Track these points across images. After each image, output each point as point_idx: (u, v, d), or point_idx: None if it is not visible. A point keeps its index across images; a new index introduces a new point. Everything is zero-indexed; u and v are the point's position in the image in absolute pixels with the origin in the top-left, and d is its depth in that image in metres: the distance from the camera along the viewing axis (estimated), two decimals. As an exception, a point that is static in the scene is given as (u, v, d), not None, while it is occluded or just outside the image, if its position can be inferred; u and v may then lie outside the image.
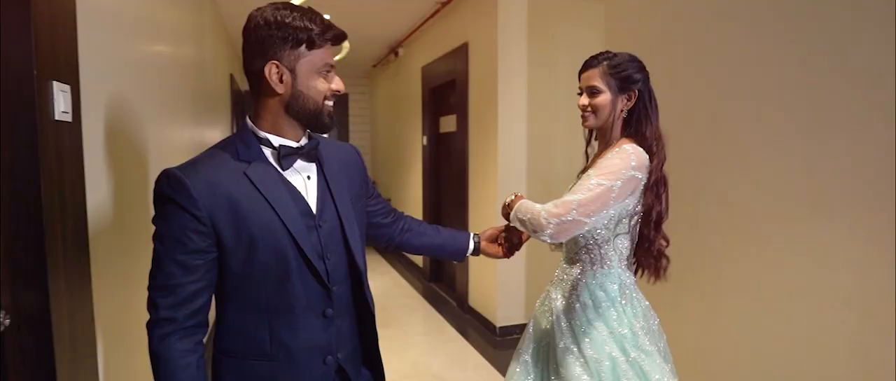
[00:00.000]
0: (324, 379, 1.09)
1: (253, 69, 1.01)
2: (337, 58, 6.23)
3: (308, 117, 1.04)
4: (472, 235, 1.47)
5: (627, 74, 1.30)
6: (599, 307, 1.30)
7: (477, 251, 1.47)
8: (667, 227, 1.34)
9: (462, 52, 3.88)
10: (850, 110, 1.36)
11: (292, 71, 1.01)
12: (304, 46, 1.00)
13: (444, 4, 4.12)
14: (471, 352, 3.28)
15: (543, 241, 1.26)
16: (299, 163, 1.07)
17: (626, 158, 1.24)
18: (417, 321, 3.89)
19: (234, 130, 1.15)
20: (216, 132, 4.03)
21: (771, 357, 1.59)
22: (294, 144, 1.06)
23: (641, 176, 1.26)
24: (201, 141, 3.12)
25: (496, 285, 3.50)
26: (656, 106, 1.33)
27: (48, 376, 1.01)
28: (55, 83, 1.05)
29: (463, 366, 3.08)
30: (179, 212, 0.94)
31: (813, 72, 1.44)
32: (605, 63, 1.31)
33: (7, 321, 0.95)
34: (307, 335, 1.06)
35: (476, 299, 3.88)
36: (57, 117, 1.05)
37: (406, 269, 5.60)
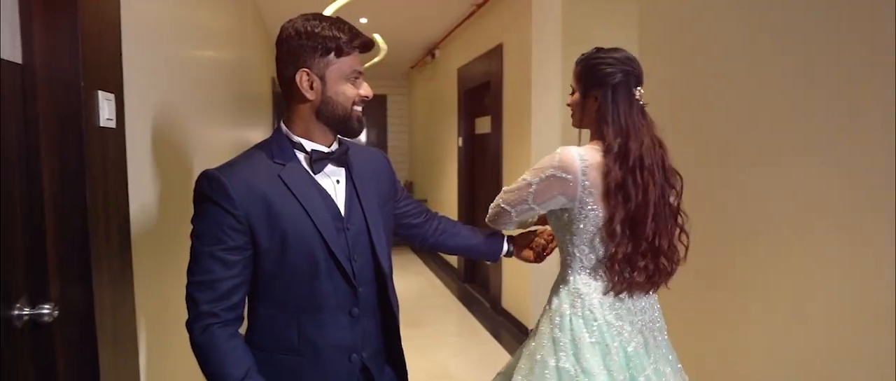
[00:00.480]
0: (349, 376, 1.13)
1: (285, 77, 1.07)
2: (375, 60, 6.36)
3: (337, 122, 1.09)
4: (506, 237, 1.48)
5: (591, 73, 1.28)
6: (549, 313, 1.30)
7: (510, 253, 1.49)
8: (699, 231, 1.32)
9: (497, 53, 3.88)
10: (890, 112, 1.29)
11: (322, 78, 1.06)
12: (332, 54, 1.05)
13: (479, 6, 4.12)
14: (502, 354, 3.27)
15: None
16: (330, 167, 1.11)
17: (551, 158, 1.25)
18: (450, 322, 3.92)
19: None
20: (258, 133, 4.18)
21: (811, 373, 1.52)
22: (325, 149, 1.11)
23: (570, 177, 1.21)
24: (243, 142, 3.24)
25: (528, 287, 3.48)
26: (624, 107, 1.24)
27: (92, 364, 1.08)
28: (101, 92, 1.12)
29: (493, 368, 3.07)
30: (218, 210, 1.00)
31: (854, 72, 1.38)
32: (577, 62, 1.32)
33: (56, 313, 1.03)
34: (334, 333, 1.09)
35: (509, 300, 3.87)
36: (102, 124, 1.12)
37: (441, 269, 5.63)
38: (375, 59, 6.64)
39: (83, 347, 1.07)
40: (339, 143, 1.15)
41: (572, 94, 1.34)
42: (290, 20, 1.08)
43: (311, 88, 1.06)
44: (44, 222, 1.03)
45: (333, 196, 1.11)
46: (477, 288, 4.75)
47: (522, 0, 3.43)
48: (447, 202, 5.64)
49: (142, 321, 1.36)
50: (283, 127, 1.11)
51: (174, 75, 1.80)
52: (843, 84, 1.42)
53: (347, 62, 1.07)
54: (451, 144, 5.38)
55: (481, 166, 4.65)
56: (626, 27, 3.19)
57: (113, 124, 1.18)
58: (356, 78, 1.09)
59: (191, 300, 1.02)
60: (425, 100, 6.76)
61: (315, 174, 1.09)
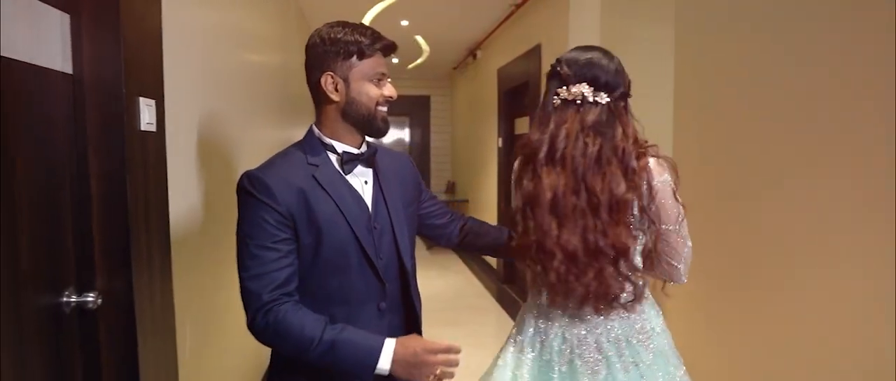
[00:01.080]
0: None
1: (312, 81, 1.13)
2: (417, 62, 6.44)
3: (362, 122, 1.13)
4: None
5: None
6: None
7: None
8: (728, 234, 1.28)
9: (535, 53, 3.86)
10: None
11: (345, 80, 1.11)
12: (354, 57, 1.10)
13: (518, 6, 4.11)
14: (536, 356, 3.26)
15: None
16: (359, 168, 1.16)
17: None
18: (488, 322, 3.92)
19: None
20: (302, 133, 4.33)
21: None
22: (355, 151, 1.16)
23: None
24: (287, 142, 3.35)
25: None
26: (543, 103, 1.21)
27: (131, 349, 1.17)
28: (141, 99, 1.21)
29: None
30: (263, 206, 1.04)
31: (884, 76, 1.30)
32: None
33: (99, 301, 1.12)
34: (363, 326, 1.12)
35: (545, 302, 3.84)
36: (142, 128, 1.22)
37: (480, 270, 5.64)
38: (418, 61, 6.73)
39: (124, 333, 1.17)
40: (368, 145, 1.19)
41: None
42: (317, 29, 1.13)
43: (336, 89, 1.11)
44: (91, 218, 1.13)
45: (362, 196, 1.16)
46: (515, 289, 4.73)
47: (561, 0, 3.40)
48: (487, 203, 5.64)
49: (184, 312, 1.46)
50: (315, 129, 1.16)
51: (216, 80, 1.91)
52: (876, 86, 1.34)
53: (369, 64, 1.11)
54: (491, 145, 5.39)
55: (520, 167, 4.62)
56: (664, 22, 3.11)
57: (153, 128, 1.27)
58: (379, 79, 1.13)
59: (249, 295, 1.03)
60: (467, 100, 6.79)
61: (346, 175, 1.14)
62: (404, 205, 1.23)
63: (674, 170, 1.16)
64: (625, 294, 1.15)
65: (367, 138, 1.19)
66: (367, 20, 4.65)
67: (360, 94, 1.11)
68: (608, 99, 1.17)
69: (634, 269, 1.15)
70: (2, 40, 0.91)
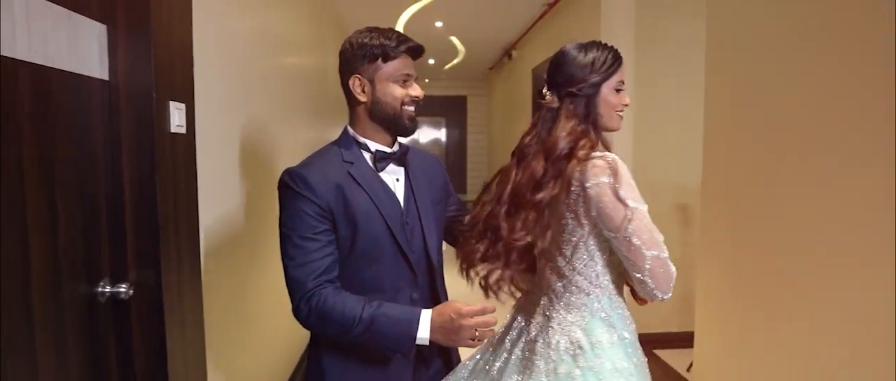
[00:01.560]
0: (400, 363, 1.20)
1: (344, 83, 1.21)
2: (453, 62, 6.46)
3: (388, 121, 1.19)
4: None
5: None
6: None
7: None
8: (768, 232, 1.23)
9: (568, 52, 3.82)
10: None
11: (371, 81, 1.18)
12: (379, 60, 1.17)
13: (551, 6, 4.08)
14: (565, 358, 3.23)
15: None
16: (391, 166, 1.23)
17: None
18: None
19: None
20: (338, 133, 4.43)
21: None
22: (388, 150, 1.23)
23: None
24: (324, 141, 3.46)
25: (595, 293, 3.40)
26: None
27: (160, 338, 1.25)
28: (172, 103, 1.29)
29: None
30: (304, 200, 1.11)
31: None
32: None
33: (131, 292, 1.20)
34: None
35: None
36: (172, 130, 1.29)
37: (514, 270, 5.63)
38: (454, 62, 6.77)
39: (153, 323, 1.24)
40: (400, 145, 1.26)
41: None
42: (349, 35, 1.21)
43: (363, 91, 1.18)
44: (124, 213, 1.21)
45: (394, 192, 1.22)
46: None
47: (593, -2, 3.35)
48: (521, 203, 5.62)
49: (214, 304, 1.54)
50: (350, 129, 1.24)
51: (249, 83, 1.99)
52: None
53: (394, 66, 1.17)
54: (525, 145, 5.36)
55: (553, 167, 4.58)
56: (700, 19, 3.03)
57: (183, 130, 1.35)
58: (404, 80, 1.19)
59: (294, 282, 1.10)
60: (503, 100, 6.78)
61: (378, 172, 1.20)
62: (433, 203, 1.28)
63: (613, 172, 1.05)
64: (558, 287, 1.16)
65: (399, 139, 1.25)
66: (401, 21, 4.72)
67: (385, 94, 1.18)
68: (557, 98, 1.15)
69: (554, 268, 1.17)
70: (45, 51, 0.99)
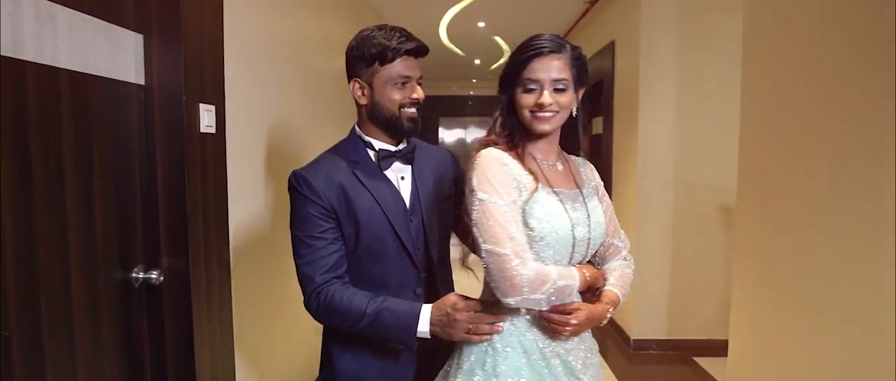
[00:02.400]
0: (408, 351, 1.22)
1: (348, 84, 1.23)
2: (499, 62, 6.44)
3: (386, 124, 1.20)
4: None
5: (586, 66, 1.07)
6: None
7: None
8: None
9: (609, 50, 3.74)
10: None
11: (370, 85, 1.18)
12: (377, 63, 1.16)
13: (592, 3, 4.01)
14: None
15: None
16: (397, 164, 1.23)
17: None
18: (552, 324, 3.87)
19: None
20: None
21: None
22: (392, 148, 1.23)
23: None
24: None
25: (632, 294, 3.32)
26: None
27: (188, 322, 1.35)
28: (202, 105, 1.39)
29: (588, 374, 3.01)
30: (308, 201, 1.14)
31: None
32: (566, 49, 1.04)
33: (161, 278, 1.31)
34: None
35: (615, 308, 3.72)
36: (202, 131, 1.40)
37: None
38: (500, 62, 6.76)
39: (182, 307, 1.35)
40: (408, 142, 1.26)
41: (560, 91, 1.04)
42: (354, 36, 1.20)
43: (363, 94, 1.19)
44: (157, 206, 1.33)
45: (399, 190, 1.23)
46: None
47: (634, -6, 3.28)
48: (564, 204, 5.54)
49: (243, 294, 1.64)
50: (356, 128, 1.26)
51: (283, 85, 2.10)
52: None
53: (393, 69, 1.16)
54: (568, 145, 5.28)
55: (597, 170, 4.48)
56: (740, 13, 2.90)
57: (213, 130, 1.45)
58: (404, 83, 1.18)
59: (305, 279, 1.14)
60: (548, 100, 6.69)
61: (383, 170, 1.22)
62: (438, 200, 1.27)
63: (477, 164, 1.03)
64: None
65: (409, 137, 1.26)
66: (444, 22, 4.77)
67: (382, 97, 1.18)
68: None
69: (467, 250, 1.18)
70: (85, 60, 1.11)
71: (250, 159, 1.79)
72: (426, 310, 1.09)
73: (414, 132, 1.23)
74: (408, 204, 1.22)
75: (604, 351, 3.34)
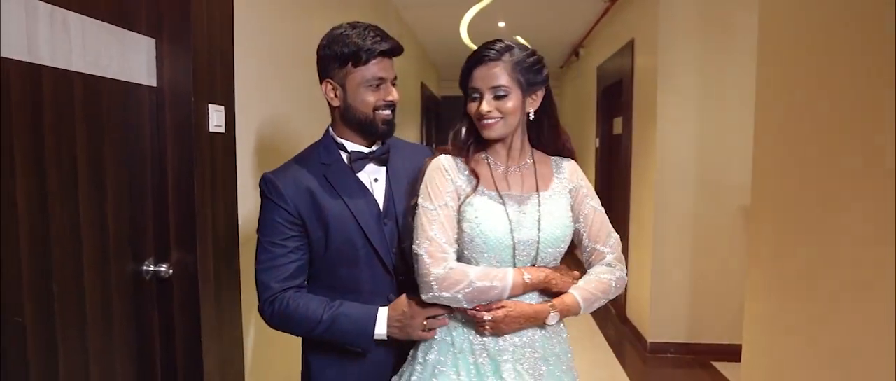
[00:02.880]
0: (383, 353, 1.21)
1: (320, 85, 1.20)
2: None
3: (360, 126, 1.18)
4: None
5: (535, 69, 1.09)
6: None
7: None
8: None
9: (628, 49, 3.70)
10: None
11: (343, 86, 1.15)
12: (350, 64, 1.13)
13: (613, 1, 3.97)
14: (612, 363, 3.15)
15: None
16: (370, 166, 1.21)
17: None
18: (568, 324, 3.85)
19: (425, 134, 1.36)
20: (408, 135, 4.58)
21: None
22: (365, 150, 1.21)
23: None
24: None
25: (649, 297, 3.28)
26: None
27: (195, 314, 1.41)
28: (211, 105, 1.45)
29: (598, 375, 2.99)
30: (274, 206, 1.14)
31: None
32: (507, 56, 1.07)
33: (170, 271, 1.38)
34: None
35: (632, 309, 3.68)
36: (211, 130, 1.45)
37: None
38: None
39: (191, 300, 1.41)
40: (382, 143, 1.23)
41: (501, 98, 1.07)
42: (326, 34, 1.17)
43: (335, 95, 1.16)
44: (168, 201, 1.39)
45: (373, 193, 1.21)
46: (614, 304, 4.57)
47: (654, -9, 3.23)
48: (586, 204, 5.48)
49: (251, 295, 1.70)
50: (330, 130, 1.24)
51: (294, 88, 2.15)
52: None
53: (367, 70, 1.13)
54: (590, 145, 5.24)
55: (616, 171, 4.44)
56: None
57: (222, 130, 1.51)
58: (378, 85, 1.15)
59: (260, 285, 1.14)
60: (573, 99, 6.65)
61: (356, 172, 1.20)
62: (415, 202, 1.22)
63: (424, 176, 1.12)
64: None
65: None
66: (464, 23, 4.79)
67: (356, 100, 1.15)
68: None
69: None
70: (97, 63, 1.17)
71: (261, 158, 1.84)
72: (383, 312, 1.11)
73: (389, 134, 1.21)
74: (381, 207, 1.19)
75: (620, 354, 3.31)
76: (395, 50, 1.17)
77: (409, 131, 4.92)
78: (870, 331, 1.43)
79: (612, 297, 1.12)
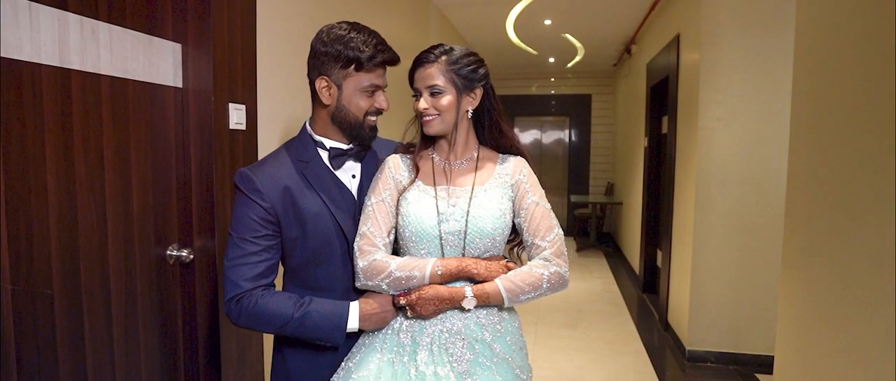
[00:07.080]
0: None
1: (310, 79, 1.18)
2: (574, 60, 6.33)
3: (349, 128, 1.18)
4: None
5: (470, 69, 1.14)
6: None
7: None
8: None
9: (674, 45, 3.57)
10: None
11: (339, 87, 1.15)
12: (352, 67, 1.13)
13: (659, -3, 3.84)
14: (646, 370, 3.05)
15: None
16: (349, 163, 1.21)
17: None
18: (607, 329, 3.77)
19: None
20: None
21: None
22: (344, 147, 1.20)
23: None
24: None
25: (688, 304, 3.15)
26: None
27: (215, 293, 1.53)
28: (231, 104, 1.57)
29: (630, 379, 2.91)
30: (249, 202, 1.11)
31: None
32: (443, 58, 1.13)
33: (191, 256, 1.50)
34: None
35: (673, 316, 3.54)
36: (232, 127, 1.57)
37: (624, 276, 5.37)
38: (575, 60, 6.62)
39: (209, 282, 1.53)
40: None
41: (436, 95, 1.13)
42: (325, 26, 1.16)
43: (329, 94, 1.15)
44: (191, 193, 1.52)
45: (351, 190, 1.21)
46: (653, 299, 4.41)
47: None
48: (635, 208, 5.33)
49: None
50: (308, 127, 1.21)
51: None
52: None
53: (366, 77, 1.14)
54: (640, 145, 5.08)
55: (663, 170, 4.28)
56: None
57: (243, 127, 1.62)
58: (373, 92, 1.16)
59: (228, 282, 1.10)
60: (625, 97, 6.46)
61: (335, 169, 1.19)
62: None
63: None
64: None
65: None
66: (509, 21, 4.78)
67: (350, 103, 1.15)
68: None
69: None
70: (124, 67, 1.31)
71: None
72: (354, 306, 1.11)
73: (371, 142, 1.22)
74: (359, 204, 1.19)
75: (659, 361, 3.20)
76: (395, 61, 1.18)
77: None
78: None
79: (547, 292, 1.10)
